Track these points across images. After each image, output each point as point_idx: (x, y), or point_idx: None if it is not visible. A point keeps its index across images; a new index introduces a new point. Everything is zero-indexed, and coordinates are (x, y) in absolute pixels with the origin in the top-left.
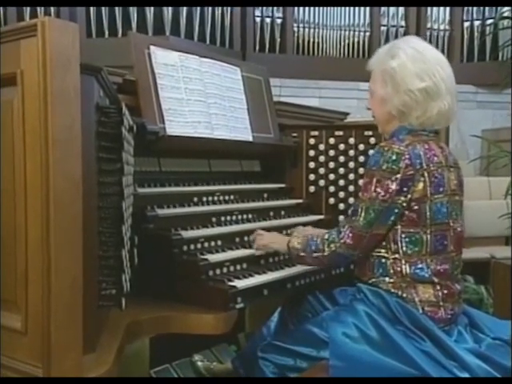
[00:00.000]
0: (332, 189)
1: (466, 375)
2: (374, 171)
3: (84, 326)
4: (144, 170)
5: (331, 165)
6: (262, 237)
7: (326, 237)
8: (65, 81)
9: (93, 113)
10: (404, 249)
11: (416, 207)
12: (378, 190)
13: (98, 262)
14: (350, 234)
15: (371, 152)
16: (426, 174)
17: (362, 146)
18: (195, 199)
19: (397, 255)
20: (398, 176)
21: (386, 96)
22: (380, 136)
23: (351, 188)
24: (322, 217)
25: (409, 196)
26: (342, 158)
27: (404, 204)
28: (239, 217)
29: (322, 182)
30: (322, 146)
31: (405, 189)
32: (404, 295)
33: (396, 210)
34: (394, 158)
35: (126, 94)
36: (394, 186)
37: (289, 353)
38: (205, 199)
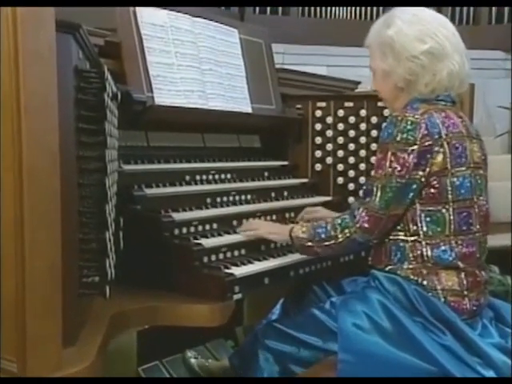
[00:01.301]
0: (341, 167)
1: (491, 373)
2: (388, 144)
3: (63, 316)
4: (130, 145)
5: (340, 140)
6: (258, 226)
7: (339, 221)
8: (38, 40)
9: (71, 77)
10: (425, 229)
11: (435, 182)
12: (394, 164)
13: (78, 246)
14: (367, 217)
15: (384, 124)
16: (445, 145)
17: (374, 119)
18: (187, 178)
19: (416, 237)
20: (415, 147)
21: (389, 68)
22: None
23: (362, 166)
24: (329, 198)
25: (427, 170)
26: (352, 133)
27: (422, 179)
28: (237, 198)
29: (329, 160)
30: (329, 119)
31: (423, 162)
32: (424, 283)
33: (414, 186)
34: (408, 127)
35: (108, 57)
36: (411, 159)
37: (291, 340)
38: (198, 178)
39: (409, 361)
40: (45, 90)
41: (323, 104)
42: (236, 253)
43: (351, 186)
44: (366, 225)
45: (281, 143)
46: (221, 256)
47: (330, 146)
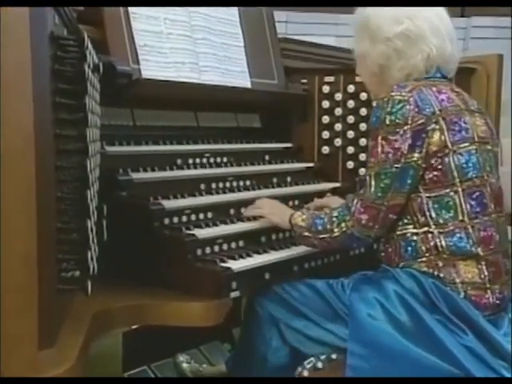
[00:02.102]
0: (351, 150)
1: None
2: (378, 130)
3: (40, 314)
4: (114, 124)
5: (350, 119)
6: (263, 204)
7: (335, 214)
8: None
9: (46, 45)
10: (434, 218)
11: (437, 163)
12: (387, 149)
13: (56, 236)
14: (362, 209)
15: (372, 109)
16: (441, 121)
17: None
18: (179, 161)
19: (427, 228)
20: (406, 128)
21: (365, 51)
22: None
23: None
24: (337, 184)
25: (424, 151)
26: (363, 111)
27: (419, 162)
28: (234, 184)
29: (338, 141)
30: (338, 96)
31: (418, 143)
32: (441, 275)
33: (411, 172)
34: (397, 107)
35: (88, 24)
36: (404, 142)
37: (296, 311)
38: (191, 161)
39: (429, 360)
40: (17, 60)
41: (331, 78)
42: (233, 245)
43: (362, 171)
44: (363, 217)
45: (283, 123)
46: (216, 248)
47: (338, 126)
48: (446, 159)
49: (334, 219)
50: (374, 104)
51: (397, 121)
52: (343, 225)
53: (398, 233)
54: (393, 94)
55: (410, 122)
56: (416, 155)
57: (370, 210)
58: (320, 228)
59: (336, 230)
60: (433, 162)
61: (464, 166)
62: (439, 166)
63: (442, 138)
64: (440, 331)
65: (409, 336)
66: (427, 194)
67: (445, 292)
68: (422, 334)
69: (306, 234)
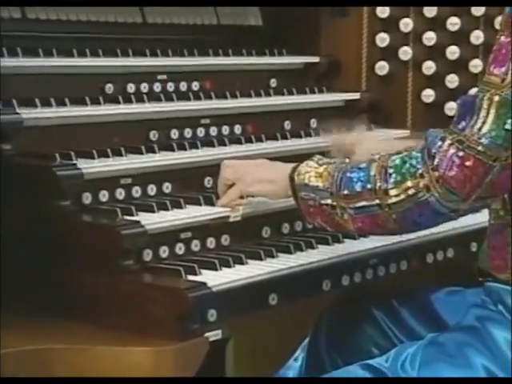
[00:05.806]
0: (430, 67)
1: None
2: None
3: None
4: None
5: (427, 12)
6: (236, 173)
7: (397, 162)
8: None
9: None
10: None
11: None
12: None
13: None
14: (457, 160)
15: None
16: None
17: None
18: (110, 87)
19: None
20: None
21: None
22: None
23: (476, 65)
24: (405, 131)
25: None
26: None
27: None
28: (212, 131)
29: (404, 53)
30: None
31: None
32: None
33: None
34: None
35: None
36: None
37: None
38: (132, 89)
39: None
40: None
41: None
42: (211, 242)
43: (450, 107)
44: (456, 174)
45: (304, 18)
46: (180, 249)
47: (407, 24)
48: None
49: (391, 171)
50: None
51: None
52: (410, 184)
53: None
54: None
55: None
56: None
57: (474, 163)
58: (358, 188)
59: (394, 191)
60: None
61: None
62: None
63: None
64: None
65: None
66: None
67: None
68: None
69: (328, 201)
